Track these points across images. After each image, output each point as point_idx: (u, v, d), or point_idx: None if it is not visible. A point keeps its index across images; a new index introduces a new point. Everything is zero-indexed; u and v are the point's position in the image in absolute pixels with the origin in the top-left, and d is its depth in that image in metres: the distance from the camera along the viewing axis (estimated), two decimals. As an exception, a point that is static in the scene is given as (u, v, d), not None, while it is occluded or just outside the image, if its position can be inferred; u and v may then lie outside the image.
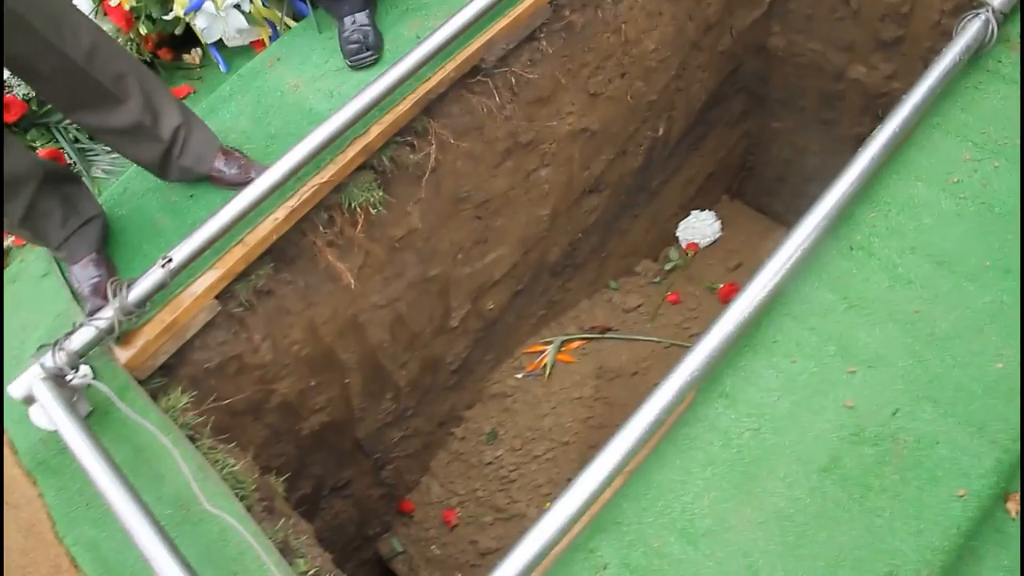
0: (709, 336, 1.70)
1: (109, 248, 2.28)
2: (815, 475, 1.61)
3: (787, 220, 4.49)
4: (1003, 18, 2.05)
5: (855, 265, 1.83)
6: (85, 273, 2.17)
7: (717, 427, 1.70)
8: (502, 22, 2.44)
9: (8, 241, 2.54)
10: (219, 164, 2.29)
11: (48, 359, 1.92)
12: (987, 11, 2.01)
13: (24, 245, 2.53)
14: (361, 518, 3.43)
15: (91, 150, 2.80)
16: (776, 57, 3.85)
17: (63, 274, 2.29)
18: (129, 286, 2.01)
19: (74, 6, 2.05)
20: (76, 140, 2.81)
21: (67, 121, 2.82)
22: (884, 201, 1.91)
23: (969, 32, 2.00)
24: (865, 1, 3.28)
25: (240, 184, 2.27)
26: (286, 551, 1.88)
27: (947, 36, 3.14)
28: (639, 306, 3.82)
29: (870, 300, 1.78)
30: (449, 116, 2.51)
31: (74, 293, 2.23)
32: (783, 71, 3.89)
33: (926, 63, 3.29)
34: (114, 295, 1.98)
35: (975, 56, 2.06)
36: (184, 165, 2.27)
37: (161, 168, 2.27)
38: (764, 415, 1.69)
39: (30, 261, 2.39)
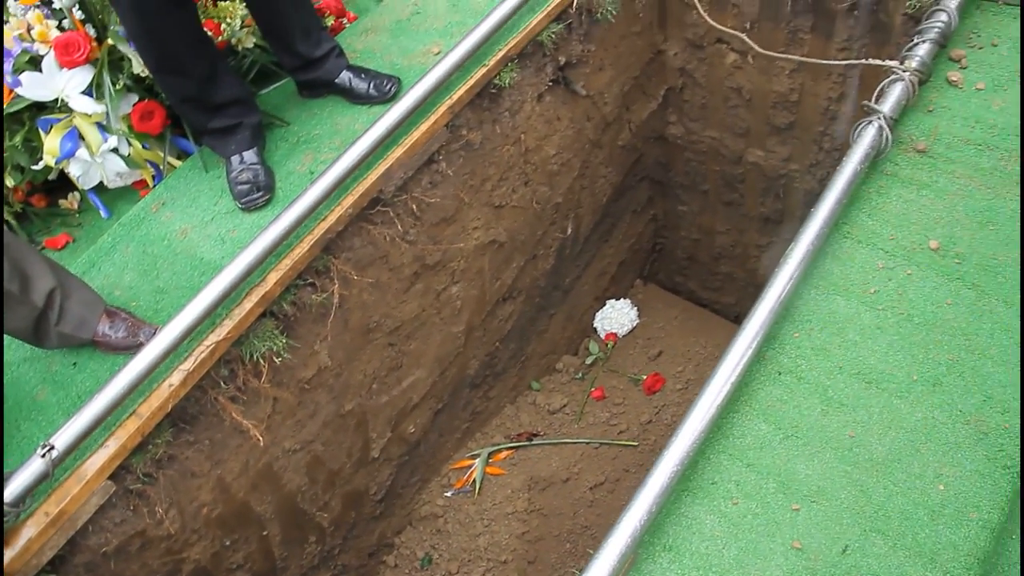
0: (647, 486, 1.60)
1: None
2: (772, 629, 1.51)
3: (701, 298, 4.51)
4: (894, 123, 2.07)
5: (785, 391, 1.78)
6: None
7: (664, 585, 1.60)
8: (398, 151, 2.36)
9: None
10: (103, 328, 2.10)
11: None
12: (879, 118, 2.03)
13: None
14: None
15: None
16: (676, 145, 3.90)
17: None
18: (6, 479, 1.81)
19: None
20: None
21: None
22: (807, 319, 1.87)
23: (866, 140, 2.01)
24: (756, 91, 3.34)
25: (128, 348, 2.10)
26: None
27: (835, 120, 3.26)
28: (564, 406, 3.72)
29: (805, 428, 1.72)
30: (351, 250, 2.39)
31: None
32: (683, 157, 3.94)
33: (819, 145, 3.40)
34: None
35: (874, 161, 2.06)
36: (64, 332, 2.07)
37: (36, 336, 2.07)
38: (711, 567, 1.60)
39: None
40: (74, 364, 2.15)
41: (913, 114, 2.17)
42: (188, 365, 2.05)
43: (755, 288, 4.12)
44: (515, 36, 2.60)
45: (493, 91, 2.69)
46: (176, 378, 2.03)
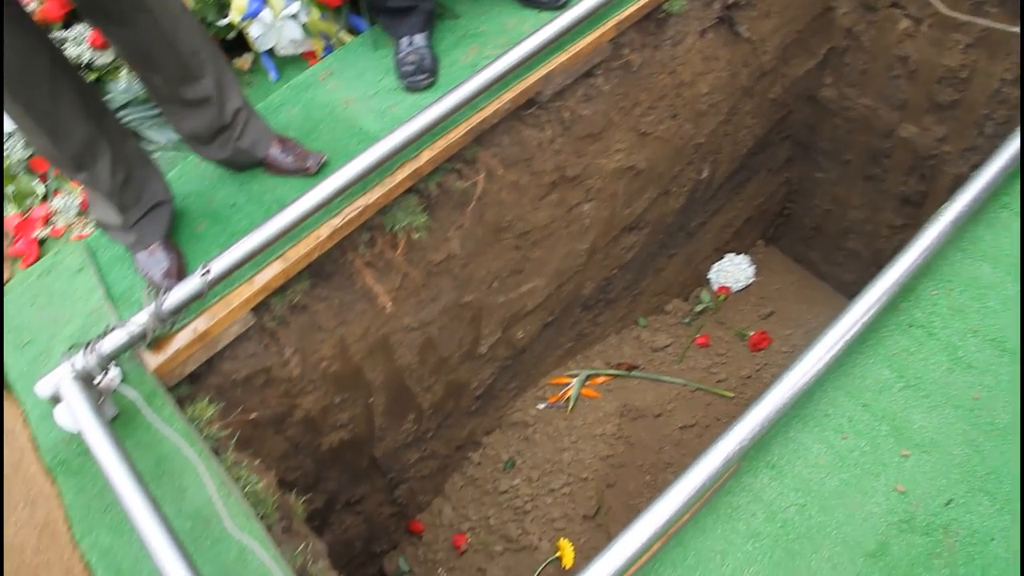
0: (760, 404, 1.64)
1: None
2: (861, 560, 1.55)
3: (822, 271, 4.44)
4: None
5: (914, 343, 1.78)
6: (154, 260, 2.15)
7: (762, 498, 1.65)
8: (561, 57, 2.41)
9: (44, 232, 2.51)
10: (275, 151, 2.29)
11: (79, 359, 1.89)
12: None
13: (60, 236, 2.50)
14: (370, 535, 3.38)
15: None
16: (826, 108, 3.81)
17: (99, 270, 2.26)
18: (165, 292, 1.98)
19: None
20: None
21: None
22: (948, 279, 1.86)
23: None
24: (923, 62, 3.23)
25: (296, 172, 2.26)
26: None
27: (1006, 104, 3.13)
28: (668, 346, 3.76)
29: (928, 381, 1.72)
30: (499, 146, 2.47)
31: (106, 291, 2.20)
32: (832, 123, 3.85)
33: (980, 129, 3.28)
34: (150, 301, 1.95)
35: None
36: (241, 146, 2.26)
37: (211, 143, 2.25)
38: (811, 491, 1.64)
39: (66, 254, 2.36)
40: (232, 205, 2.30)
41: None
42: (337, 221, 2.17)
43: (879, 269, 4.04)
44: (694, -38, 2.60)
45: (661, 16, 2.70)
46: (324, 231, 2.17)
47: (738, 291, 4.09)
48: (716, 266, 4.13)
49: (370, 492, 3.19)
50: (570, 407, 3.49)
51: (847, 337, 1.70)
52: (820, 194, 4.20)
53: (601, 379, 3.60)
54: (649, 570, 1.61)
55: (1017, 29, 2.59)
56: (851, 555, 1.56)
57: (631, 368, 3.64)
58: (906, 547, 1.55)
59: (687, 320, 3.92)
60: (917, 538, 1.55)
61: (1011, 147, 1.91)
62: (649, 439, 3.44)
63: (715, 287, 4.09)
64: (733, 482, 1.67)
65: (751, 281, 4.12)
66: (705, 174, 3.48)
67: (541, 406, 3.54)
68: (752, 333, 3.76)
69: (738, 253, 4.18)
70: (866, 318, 1.72)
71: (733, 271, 4.09)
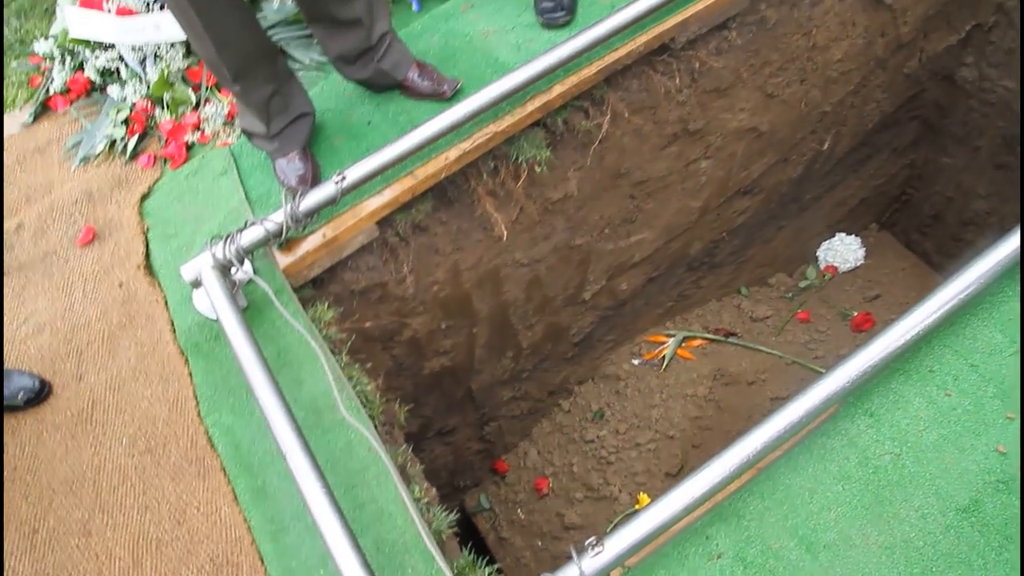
0: (864, 352, 1.66)
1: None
2: (952, 513, 1.56)
3: (935, 262, 4.31)
4: None
5: (1032, 309, 1.76)
6: (292, 166, 2.29)
7: (856, 444, 1.67)
8: (699, 5, 2.43)
9: (193, 137, 2.68)
10: (413, 75, 2.40)
11: (219, 250, 2.03)
12: None
13: (207, 143, 2.68)
14: (456, 467, 3.51)
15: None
16: (962, 89, 3.69)
17: (240, 175, 2.42)
18: (302, 195, 2.11)
19: None
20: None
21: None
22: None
23: None
24: (1077, 45, 3.10)
25: (432, 95, 2.37)
26: (403, 475, 1.95)
27: None
28: (767, 317, 3.75)
29: (1043, 348, 1.71)
30: (628, 90, 2.51)
31: (245, 193, 2.35)
32: (966, 105, 3.72)
33: None
34: (287, 203, 2.08)
35: None
36: (382, 68, 2.37)
37: (355, 62, 2.37)
38: (908, 442, 1.65)
39: (211, 158, 2.53)
40: (368, 123, 2.42)
41: None
42: (466, 145, 2.26)
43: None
44: (844, -80, 2.56)
45: (803, -27, 2.68)
46: (453, 154, 2.26)
47: (845, 271, 4.03)
48: (825, 244, 4.08)
49: (461, 424, 3.31)
50: (664, 365, 3.53)
51: (962, 296, 1.69)
52: (944, 180, 4.08)
53: (697, 342, 3.62)
54: (737, 498, 1.65)
55: None
56: (943, 507, 1.57)
57: (729, 335, 3.64)
58: (1001, 507, 1.55)
59: (790, 295, 3.89)
60: (1013, 499, 1.55)
61: None
62: (739, 405, 3.45)
63: (822, 265, 4.04)
64: (829, 425, 1.70)
65: (860, 263, 4.06)
66: (826, 146, 3.44)
67: (636, 361, 3.59)
68: (856, 314, 3.70)
69: (849, 233, 4.11)
70: (983, 280, 1.71)
71: (843, 251, 4.03)
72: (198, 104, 2.75)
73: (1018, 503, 1.55)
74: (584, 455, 3.51)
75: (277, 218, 2.09)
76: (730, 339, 3.62)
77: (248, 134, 2.36)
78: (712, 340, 3.63)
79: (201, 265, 2.04)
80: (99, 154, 2.71)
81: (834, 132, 3.43)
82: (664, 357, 3.54)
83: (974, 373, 1.71)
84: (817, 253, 4.11)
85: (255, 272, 2.16)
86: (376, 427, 2.04)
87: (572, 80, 2.32)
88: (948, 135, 3.92)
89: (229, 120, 2.68)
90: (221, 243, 2.05)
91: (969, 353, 1.73)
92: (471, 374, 3.06)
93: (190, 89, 2.78)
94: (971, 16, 3.39)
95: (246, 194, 2.37)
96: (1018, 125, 3.54)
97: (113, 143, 2.71)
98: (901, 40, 3.26)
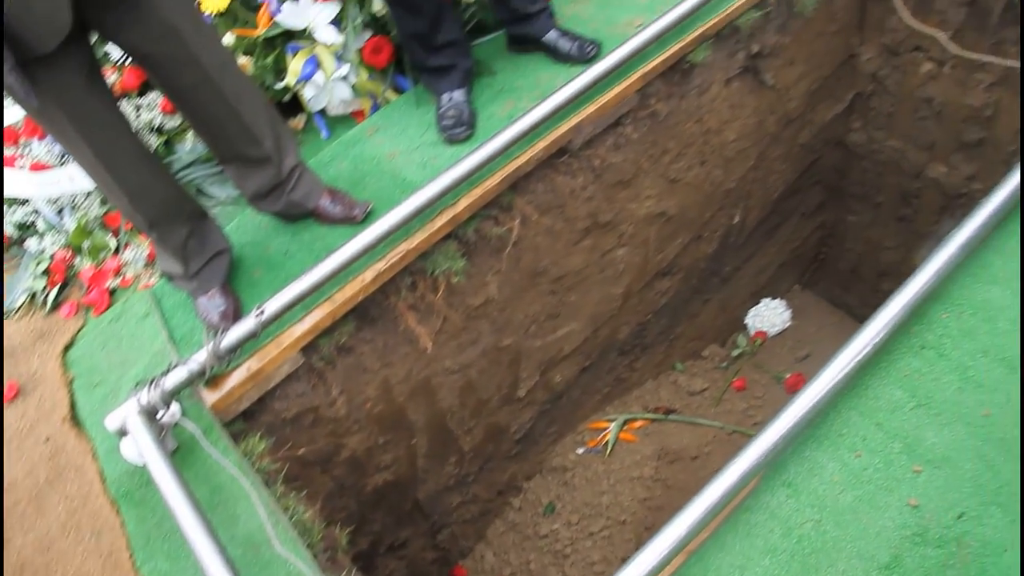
0: (776, 424, 1.73)
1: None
2: (875, 572, 1.61)
3: (860, 314, 4.47)
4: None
5: (925, 364, 1.85)
6: (212, 303, 2.32)
7: (778, 516, 1.72)
8: (590, 108, 2.56)
9: (115, 282, 2.71)
10: (324, 202, 2.47)
11: (144, 396, 2.05)
12: (1069, 125, 2.05)
13: (129, 286, 2.70)
14: (414, 580, 3.46)
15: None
16: (855, 152, 3.91)
17: (162, 316, 2.45)
18: (223, 332, 2.14)
19: (235, 60, 2.25)
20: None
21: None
22: (958, 303, 1.93)
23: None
24: (948, 103, 3.33)
25: (344, 220, 2.44)
26: (349, 601, 1.94)
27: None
28: (704, 390, 3.83)
29: (939, 400, 1.79)
30: (534, 193, 2.62)
31: (169, 334, 2.37)
32: (861, 166, 3.94)
33: (1008, 166, 3.35)
34: (209, 341, 2.11)
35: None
36: (295, 199, 2.45)
37: (267, 197, 2.44)
38: (826, 507, 1.71)
39: (133, 302, 2.56)
40: (285, 253, 2.48)
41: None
42: (381, 266, 2.33)
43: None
44: (714, 17, 2.75)
45: (685, 67, 2.84)
46: (369, 275, 2.32)
47: (775, 335, 4.15)
48: (752, 310, 4.21)
49: (413, 536, 3.28)
50: (608, 451, 3.57)
51: (859, 358, 1.78)
52: (854, 237, 4.27)
53: (639, 423, 3.68)
54: (671, 584, 1.68)
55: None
56: (866, 568, 1.62)
57: (668, 412, 3.71)
58: (919, 559, 1.61)
59: (724, 364, 3.99)
60: (930, 551, 1.61)
61: (1015, 176, 2.00)
62: (687, 481, 3.49)
63: (752, 332, 4.16)
64: (751, 500, 1.75)
65: (787, 325, 4.18)
66: (737, 219, 3.59)
67: (580, 450, 3.62)
68: (788, 376, 3.80)
69: (774, 297, 4.25)
70: (878, 340, 1.81)
71: (769, 315, 4.16)
72: (118, 249, 2.78)
73: (935, 553, 1.61)
74: (540, 551, 3.50)
75: (200, 358, 2.12)
76: (670, 416, 3.69)
77: (167, 276, 2.40)
78: (653, 419, 3.68)
79: (126, 413, 2.04)
80: (19, 308, 2.71)
81: (742, 206, 3.59)
82: (608, 442, 3.58)
83: (880, 432, 1.78)
84: (745, 321, 4.24)
85: (183, 413, 2.17)
86: (316, 555, 2.04)
87: (478, 191, 2.42)
88: (850, 195, 4.13)
89: (150, 262, 2.72)
90: (145, 388, 2.06)
91: (873, 412, 1.81)
92: (416, 484, 3.06)
93: (109, 235, 2.82)
94: (851, 86, 3.63)
95: (170, 335, 2.39)
96: (911, 180, 3.76)
97: (33, 296, 2.73)
98: (790, 115, 3.46)
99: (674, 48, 2.69)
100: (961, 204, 3.59)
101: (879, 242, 4.17)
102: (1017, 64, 2.77)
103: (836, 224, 4.33)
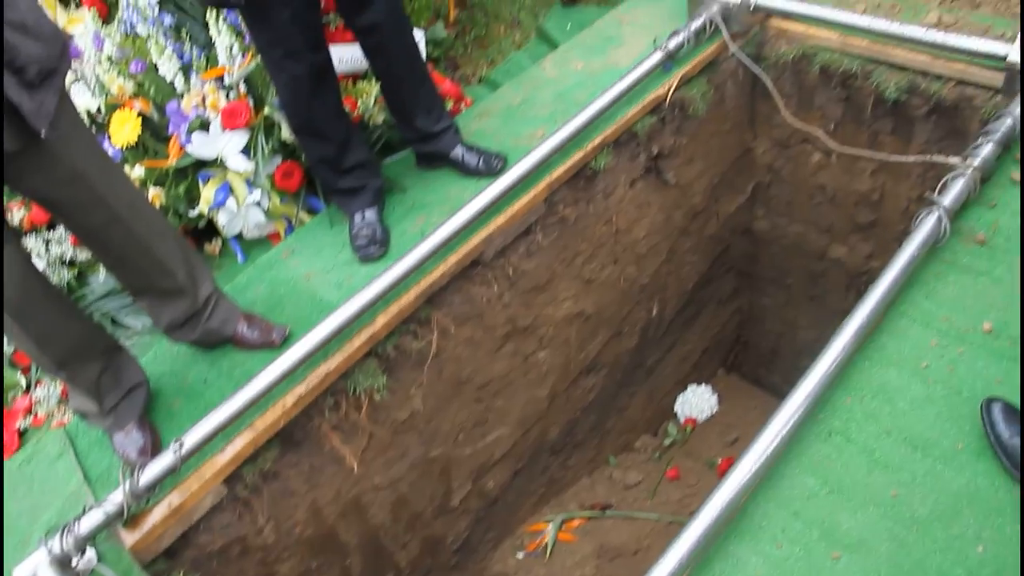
0: (696, 523, 1.76)
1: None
2: (806, 663, 1.63)
3: (783, 392, 4.56)
4: (955, 215, 2.24)
5: (834, 450, 1.92)
6: (130, 439, 2.26)
7: (709, 614, 1.74)
8: (500, 219, 2.65)
9: (25, 422, 2.64)
10: (242, 328, 2.46)
11: (55, 543, 1.97)
12: (938, 209, 2.20)
13: (41, 426, 2.63)
14: None
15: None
16: (761, 238, 4.09)
17: (77, 456, 2.38)
18: (141, 469, 2.09)
19: (144, 196, 2.26)
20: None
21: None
22: (859, 387, 2.02)
23: (924, 228, 2.18)
24: (839, 189, 3.53)
25: (263, 345, 2.43)
26: None
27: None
28: (639, 483, 3.85)
29: (850, 484, 1.85)
30: (450, 305, 2.67)
31: (84, 474, 2.31)
32: (769, 251, 4.11)
33: (901, 243, 3.55)
34: (126, 479, 2.06)
35: (933, 248, 2.23)
36: (211, 327, 2.43)
37: (184, 328, 2.41)
38: (753, 601, 1.73)
39: (45, 442, 2.48)
40: (204, 381, 2.45)
41: (976, 208, 2.33)
42: (301, 389, 2.33)
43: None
44: (612, 125, 2.89)
45: (589, 173, 2.97)
46: (290, 400, 2.32)
47: (704, 421, 4.22)
48: (680, 398, 4.28)
49: (357, 659, 3.17)
50: (548, 553, 3.54)
51: (770, 450, 1.84)
52: (770, 319, 4.42)
53: (576, 522, 3.66)
54: None
55: (903, 157, 2.87)
56: (797, 659, 1.64)
57: (605, 508, 3.71)
58: (847, 646, 1.64)
59: (657, 455, 4.03)
60: (856, 635, 1.64)
61: (897, 263, 2.13)
62: (629, 576, 3.48)
63: (681, 419, 4.22)
64: (681, 601, 1.76)
65: (715, 410, 4.26)
66: (655, 312, 3.69)
67: (520, 555, 3.58)
68: (720, 461, 3.86)
69: (700, 383, 4.34)
70: (786, 431, 1.87)
71: (697, 402, 4.24)
72: (29, 387, 2.72)
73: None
74: (489, 663, 3.42)
75: (116, 498, 2.06)
76: (607, 512, 3.69)
77: (81, 414, 2.35)
78: (590, 517, 3.67)
79: (36, 564, 1.97)
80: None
81: (658, 299, 3.70)
82: (547, 544, 3.55)
83: (797, 521, 1.83)
84: (675, 408, 4.30)
85: (99, 559, 2.10)
86: None
87: (395, 308, 2.46)
88: (762, 279, 4.29)
89: (64, 399, 2.66)
90: (57, 535, 1.99)
91: (789, 502, 1.86)
92: (355, 606, 2.98)
93: (19, 372, 2.76)
94: (750, 178, 3.82)
95: (85, 475, 2.32)
96: (816, 262, 3.94)
97: (-62, 446, 2.63)
98: (695, 209, 3.62)
99: (577, 156, 2.82)
100: (865, 281, 3.76)
101: (794, 321, 4.32)
102: (890, 157, 2.97)
103: (752, 308, 4.48)
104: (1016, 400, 1.86)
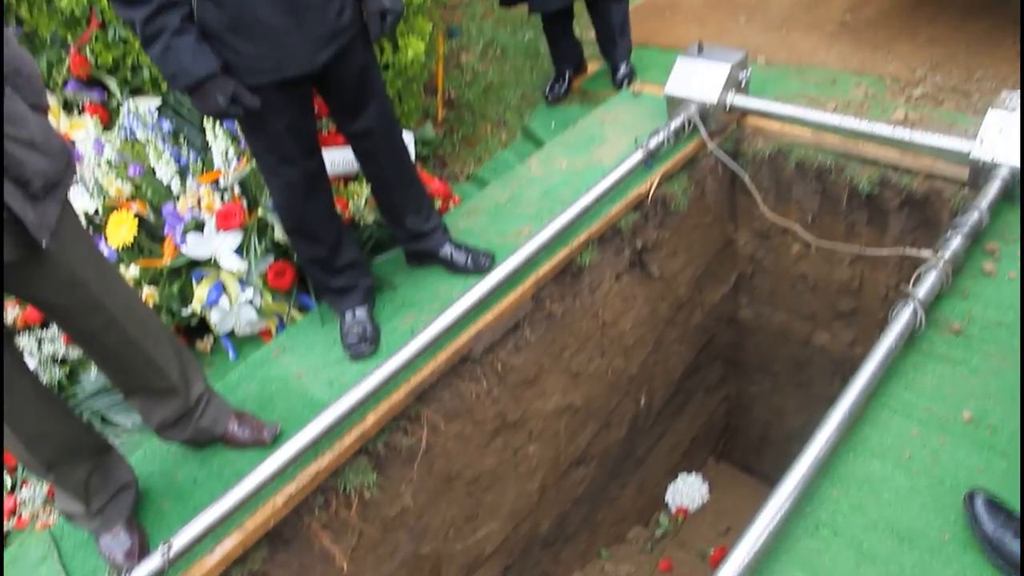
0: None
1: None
2: None
3: (774, 479, 4.56)
4: (930, 306, 2.31)
5: (822, 543, 1.93)
6: (117, 541, 2.25)
7: None
8: (488, 316, 2.70)
9: (9, 524, 2.61)
10: (233, 427, 2.47)
11: (40, 656, 1.95)
12: (913, 301, 2.27)
13: (25, 528, 2.61)
14: None
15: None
16: (746, 327, 4.15)
17: (61, 559, 2.36)
18: (127, 573, 2.08)
19: (139, 297, 2.29)
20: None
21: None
22: (845, 478, 2.05)
23: (900, 320, 2.25)
24: (820, 278, 3.62)
25: (254, 444, 2.44)
26: None
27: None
28: (631, 575, 3.81)
29: (839, 578, 1.87)
30: (440, 401, 2.69)
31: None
32: (754, 339, 4.18)
33: (882, 330, 3.62)
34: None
35: (910, 339, 2.29)
36: (201, 426, 2.43)
37: (175, 427, 2.42)
38: None
39: (28, 545, 2.45)
40: (194, 481, 2.45)
41: (950, 299, 2.40)
42: (292, 488, 2.33)
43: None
44: (596, 222, 2.98)
45: (575, 269, 3.04)
46: (280, 499, 2.32)
47: (696, 510, 4.20)
48: (671, 487, 4.27)
49: None
50: (543, 649, 3.47)
51: (758, 546, 1.85)
52: (758, 406, 4.45)
53: (571, 616, 3.61)
54: None
55: (877, 251, 2.97)
56: None
57: (599, 601, 3.66)
58: None
59: (649, 546, 4.00)
60: None
61: (876, 355, 2.19)
62: (625, 674, 3.41)
63: (673, 509, 4.20)
64: None
65: (707, 498, 4.24)
66: (643, 403, 3.72)
67: (514, 652, 3.51)
68: (712, 551, 3.83)
69: (690, 472, 4.33)
70: (773, 525, 1.89)
71: (688, 491, 4.23)
72: (14, 487, 2.70)
73: None
74: None
75: (102, 607, 2.05)
76: (601, 607, 3.64)
77: (67, 516, 2.34)
78: (584, 612, 3.63)
79: None
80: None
81: (646, 389, 3.73)
82: (541, 641, 3.49)
83: (788, 617, 1.83)
84: (666, 498, 4.29)
85: (84, 669, 2.06)
86: None
87: (385, 406, 2.48)
88: (748, 367, 4.34)
89: (50, 498, 2.64)
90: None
91: (780, 599, 1.87)
92: None
93: (4, 473, 2.74)
94: (733, 268, 3.91)
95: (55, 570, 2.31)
96: (801, 349, 3.99)
97: (-78, 551, 2.60)
98: (680, 300, 3.69)
99: (563, 253, 2.89)
100: (849, 367, 3.81)
101: (782, 408, 4.35)
102: (864, 250, 3.07)
103: (740, 395, 4.52)
104: (997, 490, 1.89)
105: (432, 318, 2.59)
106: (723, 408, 4.54)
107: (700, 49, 3.29)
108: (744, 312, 4.11)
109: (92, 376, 3.00)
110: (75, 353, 3.05)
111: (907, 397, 2.19)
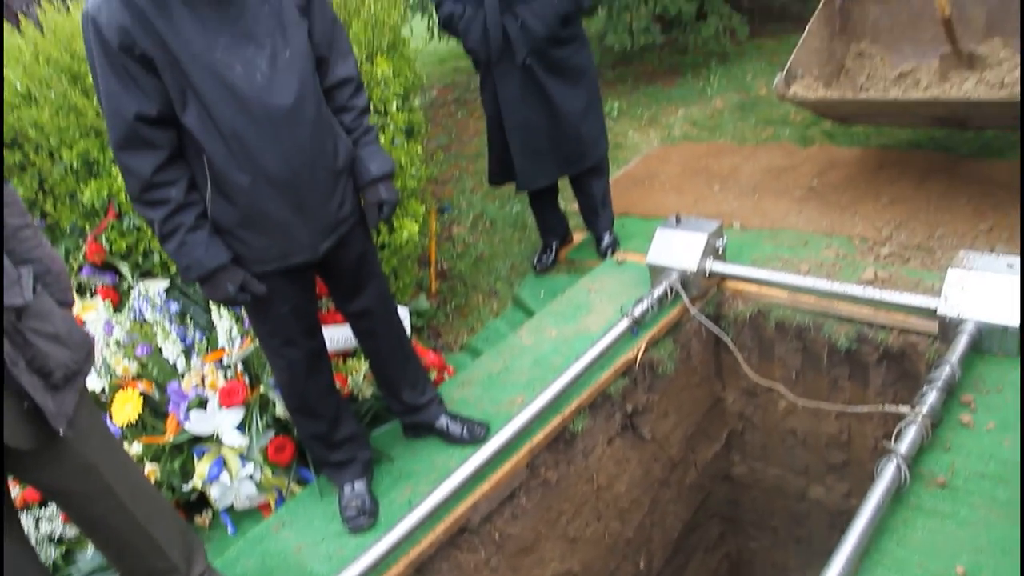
0: None
1: None
2: None
3: (782, 642, 4.48)
4: (913, 460, 2.39)
5: None
6: None
7: None
8: (484, 486, 2.76)
9: None
10: None
11: None
12: (896, 456, 2.35)
13: None
14: None
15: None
16: (741, 483, 4.18)
17: None
18: None
19: (145, 477, 2.34)
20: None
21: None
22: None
23: (885, 476, 2.32)
24: (809, 432, 3.69)
25: None
26: None
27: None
28: None
29: None
30: (439, 573, 2.70)
31: None
32: (750, 495, 4.20)
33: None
34: None
35: (897, 495, 2.35)
36: None
37: None
38: None
39: None
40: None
41: (932, 452, 2.48)
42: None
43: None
44: (587, 389, 3.09)
45: (568, 436, 3.12)
46: None
47: (704, 678, 4.08)
48: (678, 654, 4.16)
49: None
50: None
51: None
52: (760, 561, 4.41)
53: None
54: None
55: (856, 408, 3.07)
56: None
57: None
58: None
59: None
60: None
61: (865, 512, 2.24)
62: None
63: (681, 677, 4.08)
64: None
65: (715, 665, 4.13)
66: (642, 565, 3.70)
67: None
68: None
69: (696, 637, 4.24)
70: None
71: (695, 657, 4.12)
72: None
73: None
74: None
75: None
76: None
77: None
78: None
79: None
80: None
81: (645, 551, 3.72)
82: None
83: None
84: (673, 665, 4.17)
85: None
86: None
87: (384, 580, 2.50)
88: (747, 523, 4.34)
89: None
90: None
91: None
92: None
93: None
94: (723, 426, 3.99)
95: None
96: (797, 503, 4.01)
97: None
98: (673, 460, 3.74)
99: (556, 421, 2.98)
100: (846, 520, 3.80)
101: (784, 564, 4.31)
102: (845, 408, 3.18)
103: (740, 552, 4.48)
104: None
105: (429, 489, 2.64)
106: (724, 566, 4.49)
107: (678, 220, 3.50)
108: (738, 468, 4.15)
109: (88, 555, 3.00)
110: (72, 532, 3.06)
111: (900, 554, 2.23)
